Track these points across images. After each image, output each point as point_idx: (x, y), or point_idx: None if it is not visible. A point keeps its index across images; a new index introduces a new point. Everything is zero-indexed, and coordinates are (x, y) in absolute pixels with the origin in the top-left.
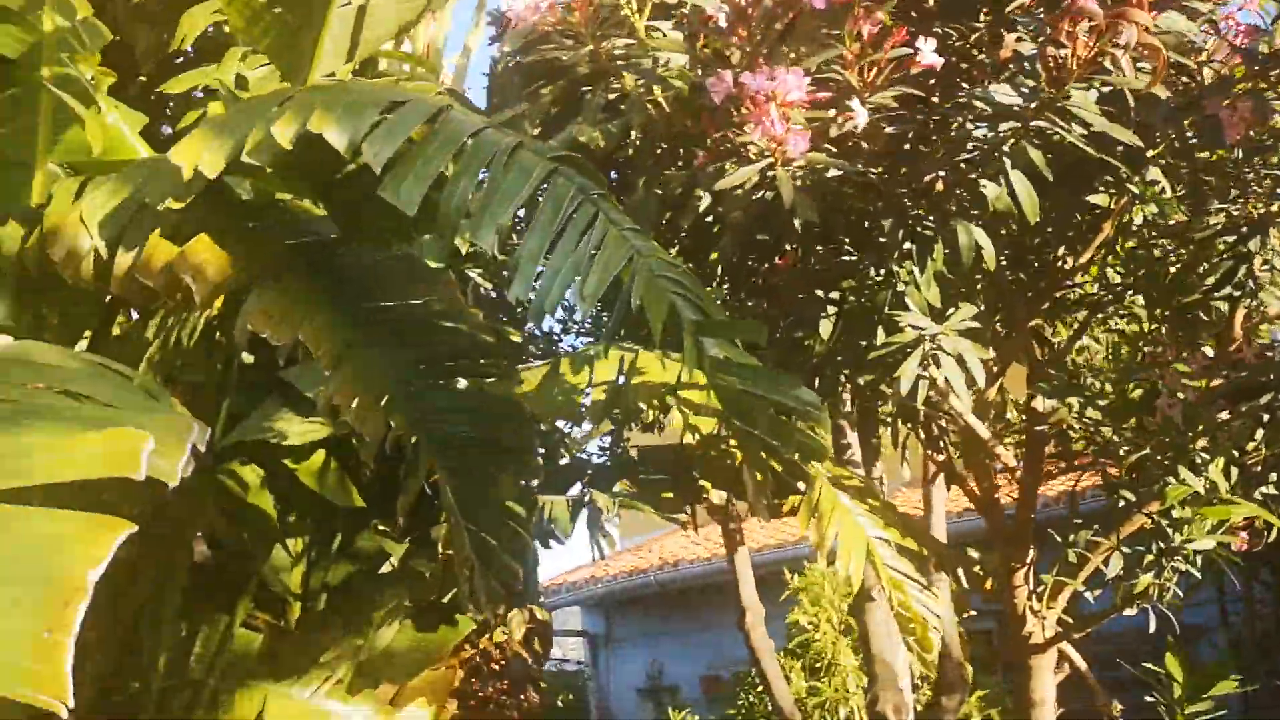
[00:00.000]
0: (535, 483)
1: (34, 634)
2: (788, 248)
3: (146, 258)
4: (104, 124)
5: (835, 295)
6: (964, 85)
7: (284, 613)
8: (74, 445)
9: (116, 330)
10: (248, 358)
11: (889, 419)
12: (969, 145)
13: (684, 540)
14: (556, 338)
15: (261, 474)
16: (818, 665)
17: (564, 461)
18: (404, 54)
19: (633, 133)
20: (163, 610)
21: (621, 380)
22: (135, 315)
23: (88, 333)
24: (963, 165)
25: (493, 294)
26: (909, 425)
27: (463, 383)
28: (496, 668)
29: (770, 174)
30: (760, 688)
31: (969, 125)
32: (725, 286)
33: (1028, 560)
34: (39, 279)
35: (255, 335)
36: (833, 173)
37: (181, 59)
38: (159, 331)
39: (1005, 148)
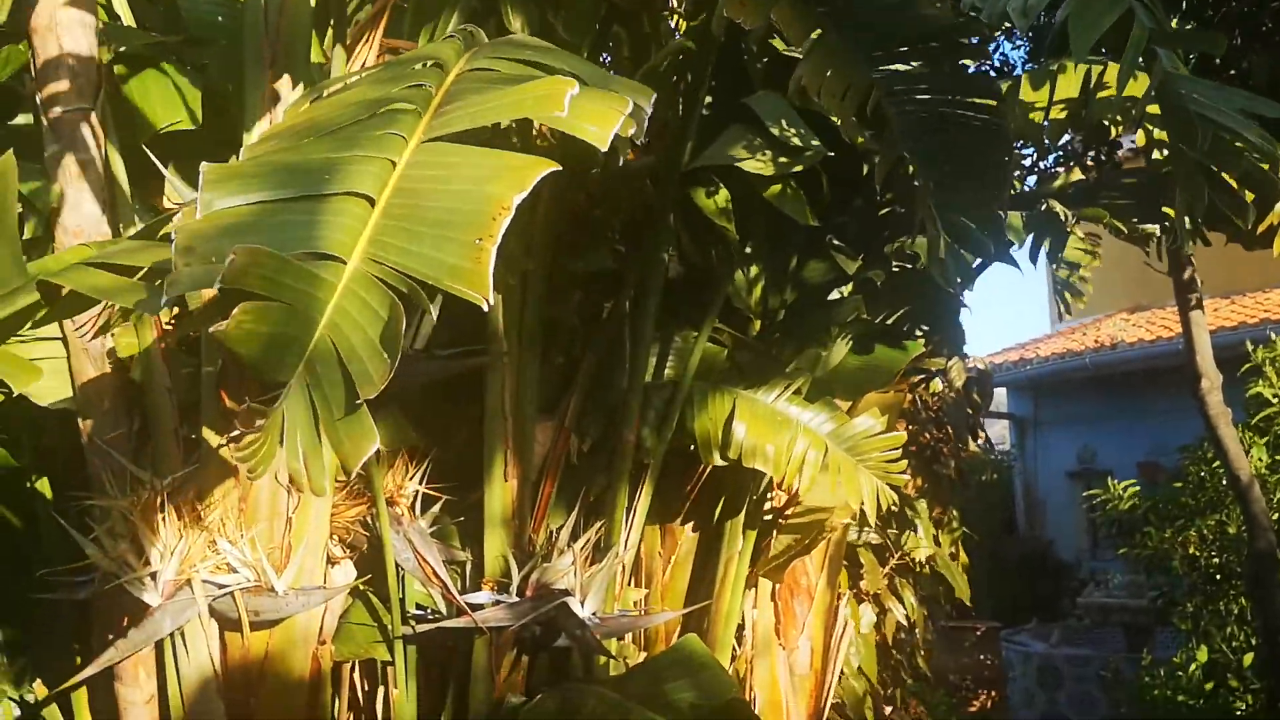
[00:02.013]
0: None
1: (467, 241)
2: None
3: None
4: None
5: None
6: None
7: (745, 328)
8: (511, 92)
9: None
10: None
11: None
12: None
13: (1120, 323)
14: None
15: (725, 197)
16: None
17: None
18: None
19: None
20: (641, 319)
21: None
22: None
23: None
24: None
25: None
26: None
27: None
28: (934, 413)
29: None
30: (1214, 460)
31: None
32: None
33: None
34: None
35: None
36: None
37: None
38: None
39: None
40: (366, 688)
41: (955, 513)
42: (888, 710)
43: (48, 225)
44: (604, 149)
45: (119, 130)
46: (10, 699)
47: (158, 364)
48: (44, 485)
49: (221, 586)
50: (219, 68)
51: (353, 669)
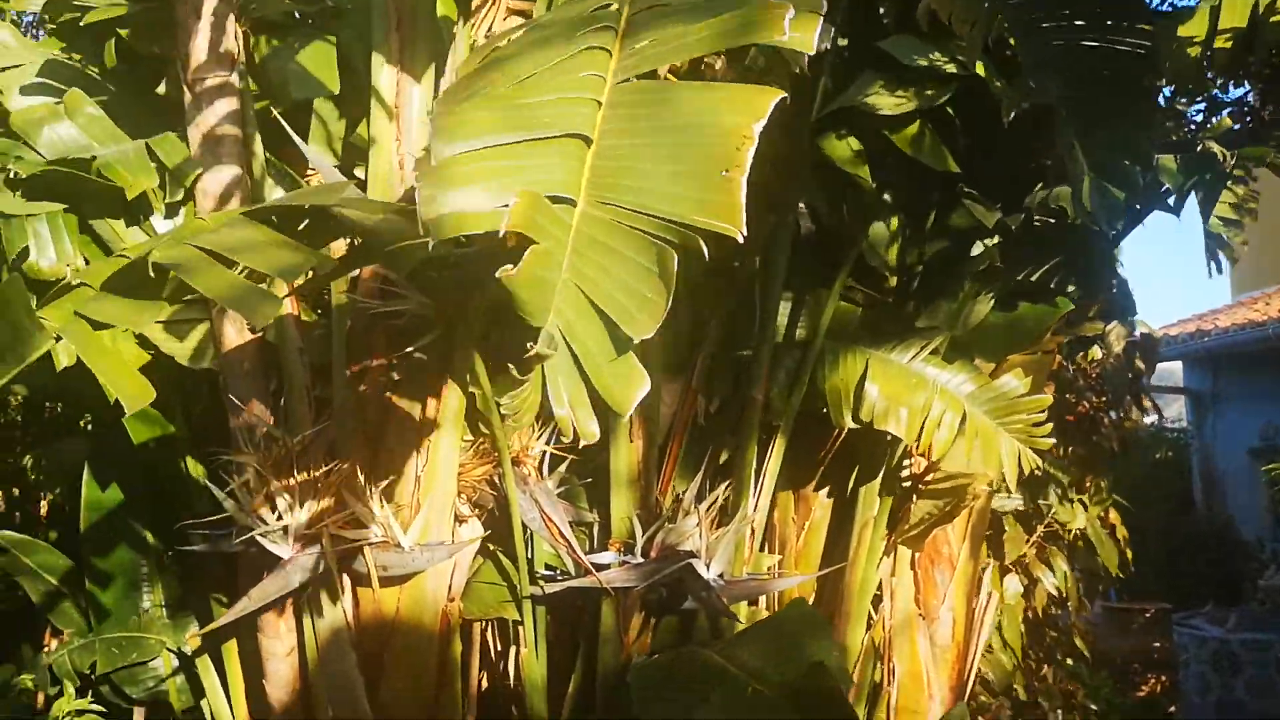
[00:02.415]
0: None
1: (712, 174)
2: None
3: None
4: None
5: None
6: None
7: (880, 286)
8: (717, 21)
9: None
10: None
11: None
12: None
13: None
14: None
15: (858, 146)
16: None
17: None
18: None
19: None
20: (771, 277)
21: None
22: None
23: None
24: None
25: None
26: None
27: None
28: (1093, 380)
29: None
30: None
31: None
32: None
33: None
34: None
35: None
36: None
37: None
38: None
39: None
40: (499, 647)
41: (1103, 484)
42: (1038, 687)
43: (188, 190)
44: (811, 53)
45: (256, 97)
46: (169, 650)
47: (290, 326)
48: (190, 443)
49: (350, 541)
50: (348, 34)
51: (485, 629)
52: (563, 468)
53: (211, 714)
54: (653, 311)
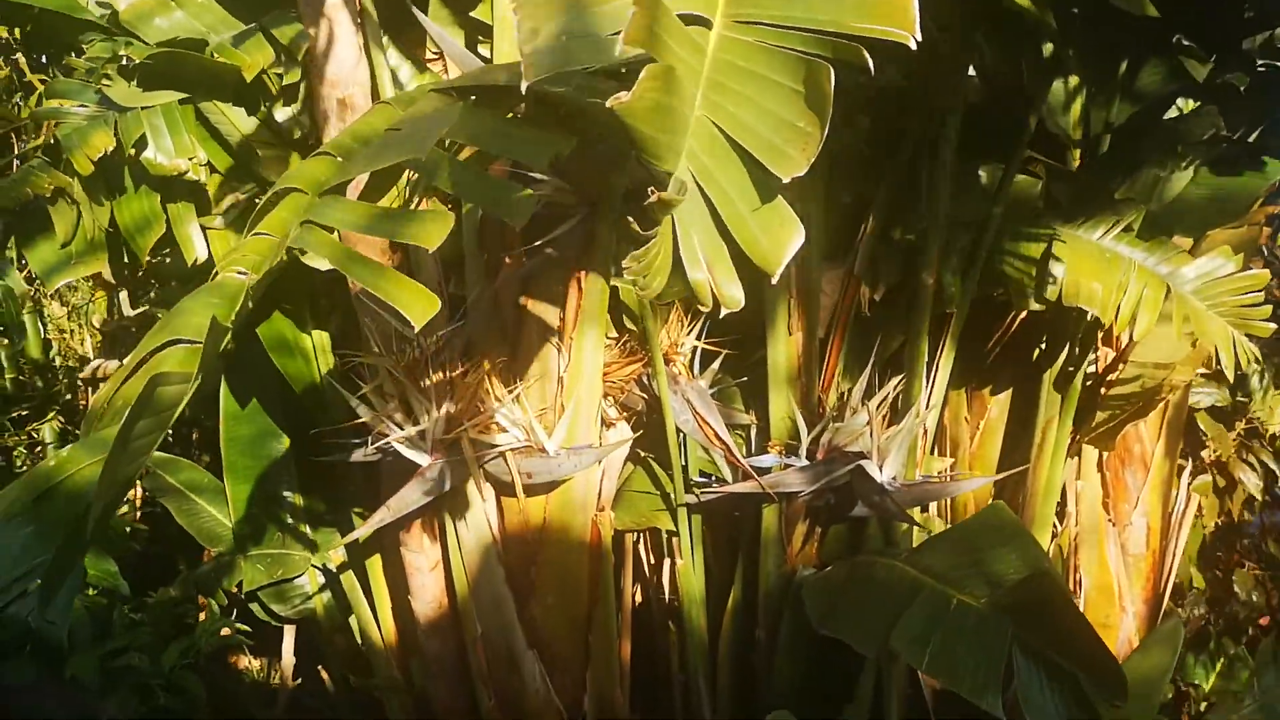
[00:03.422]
0: None
1: None
2: None
3: None
4: None
5: None
6: None
7: (1064, 156)
8: None
9: None
10: None
11: None
12: None
13: None
14: None
15: None
16: None
17: None
18: None
19: None
20: (940, 143)
21: None
22: None
23: None
24: None
25: None
26: None
27: None
28: None
29: None
30: None
31: None
32: None
33: None
34: None
35: None
36: None
37: None
38: None
39: None
40: (653, 560)
41: None
42: (1231, 596)
43: (304, 71)
44: None
45: None
46: (314, 566)
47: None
48: (325, 350)
49: (492, 447)
50: None
51: (638, 540)
52: (715, 364)
53: (360, 631)
54: (805, 144)
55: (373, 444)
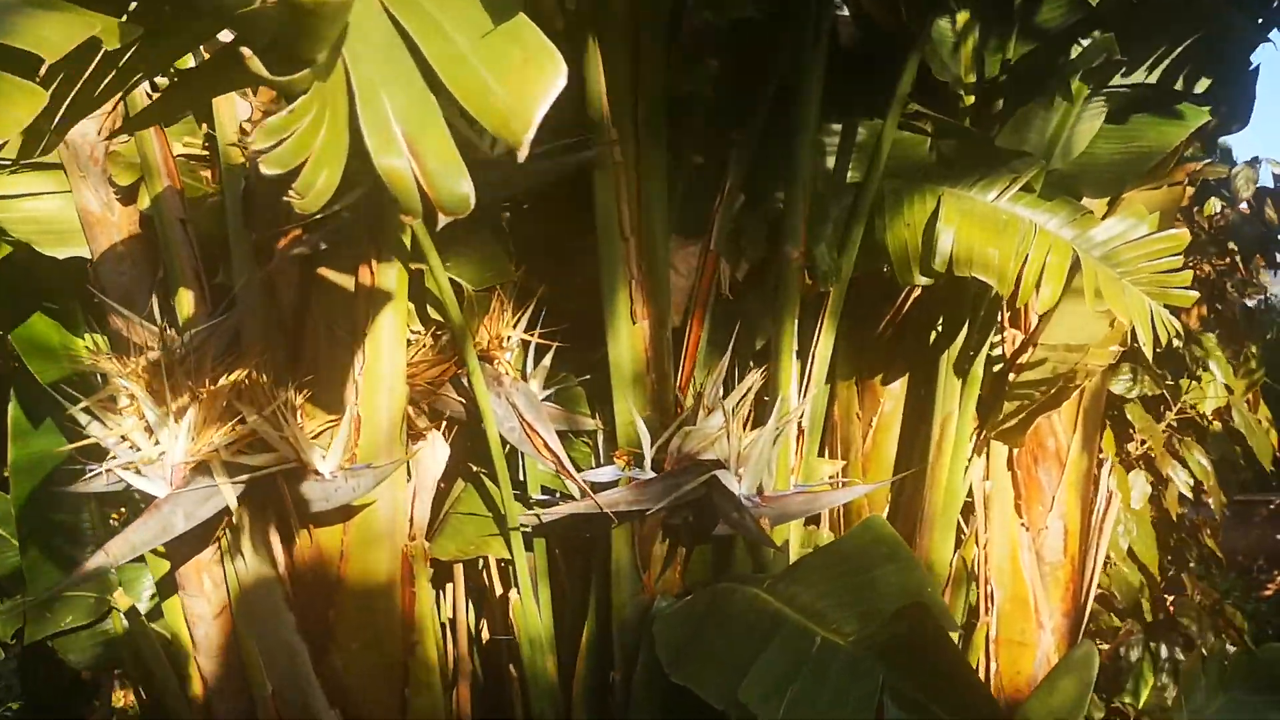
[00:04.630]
0: None
1: None
2: None
3: None
4: None
5: None
6: None
7: (953, 108)
8: None
9: None
10: None
11: None
12: None
13: None
14: None
15: None
16: None
17: None
18: None
19: None
20: (804, 92)
21: None
22: None
23: None
24: None
25: None
26: None
27: None
28: (1213, 235)
29: None
30: None
31: None
32: None
33: None
34: None
35: None
36: None
37: None
38: None
39: None
40: (502, 591)
41: (1255, 352)
42: (1169, 600)
43: None
44: None
45: None
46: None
47: (168, 192)
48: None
49: (255, 470)
50: None
51: (483, 569)
52: (547, 360)
53: (160, 689)
54: None
55: (107, 470)
